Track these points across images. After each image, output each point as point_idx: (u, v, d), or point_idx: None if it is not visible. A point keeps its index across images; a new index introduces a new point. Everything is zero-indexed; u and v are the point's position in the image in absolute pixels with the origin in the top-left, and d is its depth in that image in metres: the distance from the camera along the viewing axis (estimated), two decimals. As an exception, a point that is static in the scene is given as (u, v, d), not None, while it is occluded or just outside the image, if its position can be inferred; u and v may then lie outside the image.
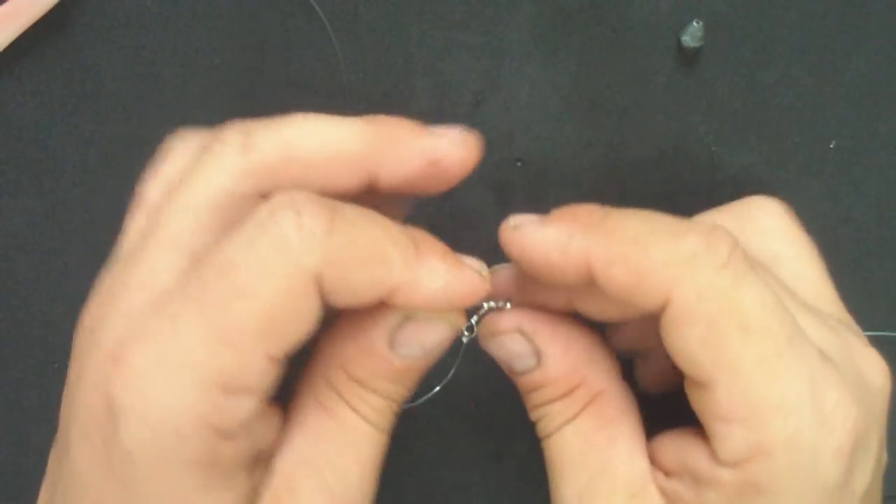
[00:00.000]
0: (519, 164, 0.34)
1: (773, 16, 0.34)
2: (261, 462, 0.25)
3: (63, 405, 0.25)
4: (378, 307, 0.25)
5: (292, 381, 0.26)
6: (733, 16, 0.33)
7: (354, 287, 0.23)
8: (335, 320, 0.26)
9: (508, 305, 0.28)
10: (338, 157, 0.25)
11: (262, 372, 0.23)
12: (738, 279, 0.24)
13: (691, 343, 0.24)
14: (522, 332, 0.27)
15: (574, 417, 0.27)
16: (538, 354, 0.27)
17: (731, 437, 0.24)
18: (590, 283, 0.25)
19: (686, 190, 0.35)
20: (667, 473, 0.26)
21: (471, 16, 0.33)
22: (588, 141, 0.34)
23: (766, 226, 0.30)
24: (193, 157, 0.26)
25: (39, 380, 0.36)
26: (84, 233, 0.35)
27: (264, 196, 0.25)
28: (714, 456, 0.24)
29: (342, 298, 0.23)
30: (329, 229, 0.22)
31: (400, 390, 0.26)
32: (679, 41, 0.33)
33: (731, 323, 0.23)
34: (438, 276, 0.24)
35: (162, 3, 0.33)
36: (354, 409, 0.25)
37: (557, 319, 0.28)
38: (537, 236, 0.25)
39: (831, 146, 0.35)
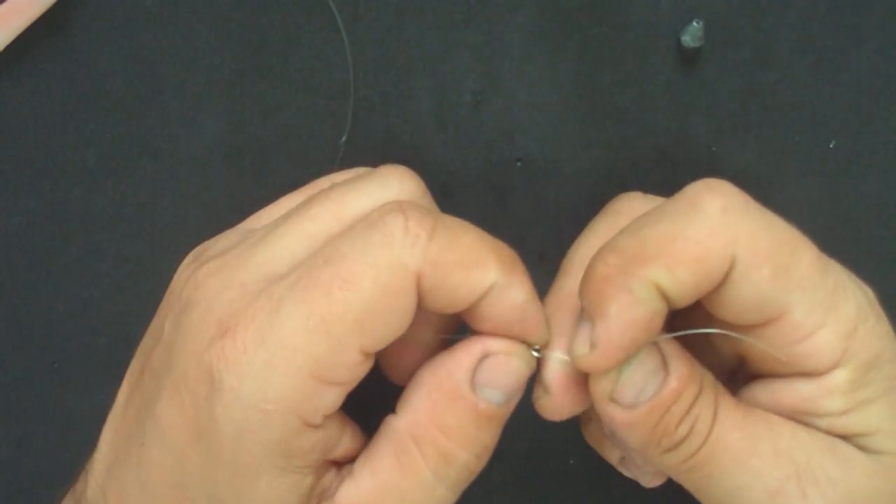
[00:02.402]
0: (519, 164, 0.34)
1: (773, 16, 0.34)
2: (327, 468, 0.26)
3: (156, 352, 0.26)
4: (459, 349, 0.26)
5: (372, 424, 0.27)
6: (733, 16, 0.33)
7: (452, 287, 0.24)
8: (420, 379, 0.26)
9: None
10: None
11: (352, 365, 0.24)
12: (762, 211, 0.25)
13: (762, 285, 0.24)
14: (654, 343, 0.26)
15: (718, 406, 0.26)
16: (665, 364, 0.26)
17: (820, 343, 0.25)
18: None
19: (686, 190, 0.35)
20: None
21: (471, 16, 0.33)
22: (588, 141, 0.34)
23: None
24: (370, 179, 0.28)
25: (39, 380, 0.36)
26: (84, 233, 0.35)
27: None
28: (810, 374, 0.25)
29: (440, 299, 0.25)
30: (432, 233, 0.24)
31: (485, 440, 0.26)
32: (679, 41, 0.33)
33: (786, 249, 0.25)
34: (524, 291, 0.25)
35: (162, 3, 0.33)
36: (433, 469, 0.25)
37: None
38: (615, 325, 0.25)
39: (831, 146, 0.35)
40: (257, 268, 0.26)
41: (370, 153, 0.34)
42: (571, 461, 0.37)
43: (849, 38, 0.34)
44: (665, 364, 0.26)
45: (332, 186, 0.28)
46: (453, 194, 0.35)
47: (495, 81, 0.34)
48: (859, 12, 0.34)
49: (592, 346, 0.25)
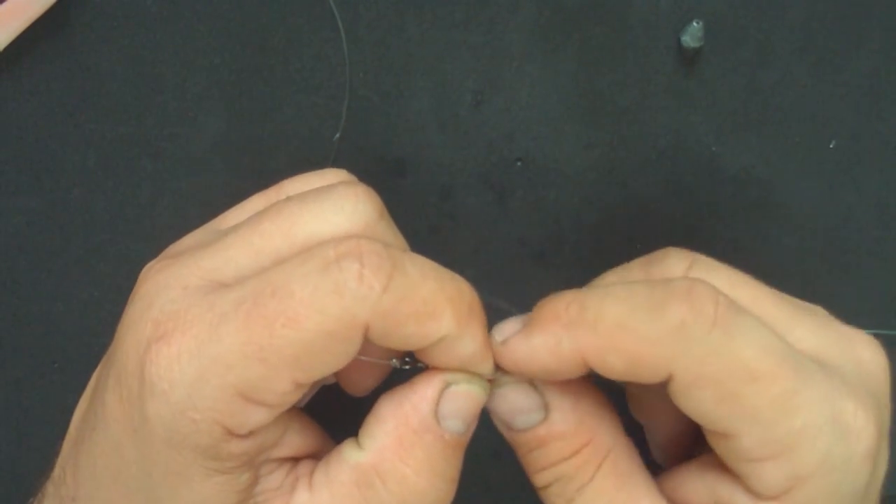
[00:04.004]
0: (519, 164, 0.34)
1: (773, 16, 0.34)
2: (278, 465, 0.26)
3: (118, 335, 0.27)
4: (421, 382, 0.26)
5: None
6: (733, 16, 0.33)
7: (402, 336, 0.24)
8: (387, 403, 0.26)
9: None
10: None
11: (283, 393, 0.24)
12: (731, 332, 0.24)
13: (705, 405, 0.24)
14: (532, 383, 0.27)
15: (591, 479, 0.26)
16: (545, 408, 0.26)
17: (765, 473, 0.24)
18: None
19: (686, 190, 0.35)
20: None
21: (471, 16, 0.33)
22: (588, 141, 0.34)
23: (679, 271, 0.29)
24: (333, 195, 0.27)
25: (39, 380, 0.36)
26: (84, 233, 0.35)
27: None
28: (751, 491, 0.25)
29: (388, 343, 0.25)
30: (387, 284, 0.24)
31: (451, 472, 0.26)
32: (679, 41, 0.33)
33: (738, 378, 0.23)
34: (475, 342, 0.25)
35: (162, 3, 0.33)
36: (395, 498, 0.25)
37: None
38: (526, 349, 0.25)
39: (831, 146, 0.35)
40: (202, 272, 0.25)
41: (370, 153, 0.34)
42: (571, 461, 0.37)
43: (849, 38, 0.34)
44: (546, 407, 0.26)
45: (287, 200, 0.27)
46: (453, 194, 0.35)
47: (495, 81, 0.34)
48: (859, 12, 0.34)
49: (504, 342, 0.26)
